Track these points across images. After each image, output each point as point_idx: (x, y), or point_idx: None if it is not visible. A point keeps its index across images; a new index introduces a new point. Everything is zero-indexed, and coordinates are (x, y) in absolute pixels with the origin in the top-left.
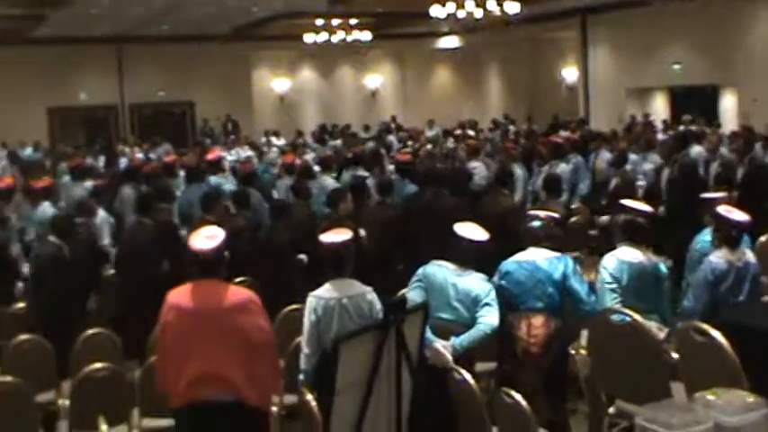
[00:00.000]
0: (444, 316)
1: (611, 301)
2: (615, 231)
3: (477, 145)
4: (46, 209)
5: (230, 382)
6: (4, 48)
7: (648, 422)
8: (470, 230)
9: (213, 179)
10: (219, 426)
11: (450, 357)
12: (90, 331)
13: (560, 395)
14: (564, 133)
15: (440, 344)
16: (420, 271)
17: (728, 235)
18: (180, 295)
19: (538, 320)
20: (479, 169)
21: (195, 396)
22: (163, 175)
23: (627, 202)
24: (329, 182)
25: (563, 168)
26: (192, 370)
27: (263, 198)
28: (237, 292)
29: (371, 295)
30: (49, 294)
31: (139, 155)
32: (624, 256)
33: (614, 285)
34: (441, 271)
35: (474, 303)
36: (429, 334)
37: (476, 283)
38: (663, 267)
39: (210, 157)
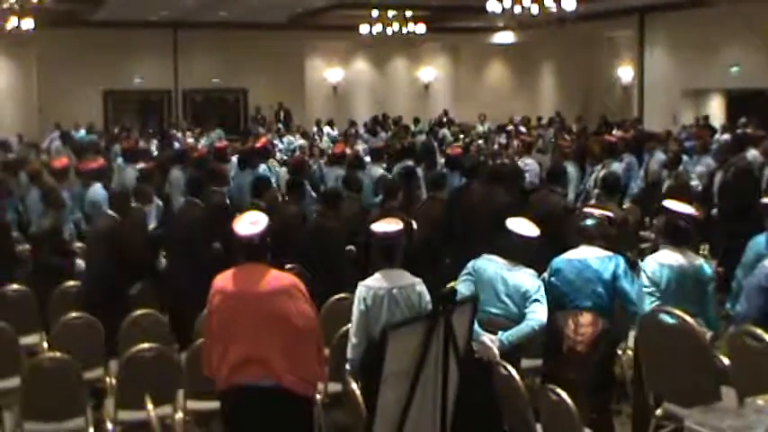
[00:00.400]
0: (493, 310)
1: (649, 305)
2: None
3: (530, 141)
4: (97, 190)
5: (271, 368)
6: (63, 30)
7: (698, 425)
8: (522, 226)
9: (262, 167)
10: (262, 411)
11: (497, 351)
12: (138, 312)
13: (605, 395)
14: (617, 133)
15: (487, 337)
16: (470, 264)
17: None
18: (225, 279)
19: (586, 319)
20: (531, 166)
21: (238, 380)
22: (212, 160)
23: (669, 203)
24: (380, 172)
25: (616, 168)
26: (236, 354)
27: (312, 188)
28: (281, 277)
29: (421, 286)
30: (102, 266)
31: (191, 140)
32: (664, 259)
33: (652, 289)
34: (491, 265)
35: (523, 299)
36: (477, 327)
37: (525, 278)
38: (707, 269)
39: (258, 144)
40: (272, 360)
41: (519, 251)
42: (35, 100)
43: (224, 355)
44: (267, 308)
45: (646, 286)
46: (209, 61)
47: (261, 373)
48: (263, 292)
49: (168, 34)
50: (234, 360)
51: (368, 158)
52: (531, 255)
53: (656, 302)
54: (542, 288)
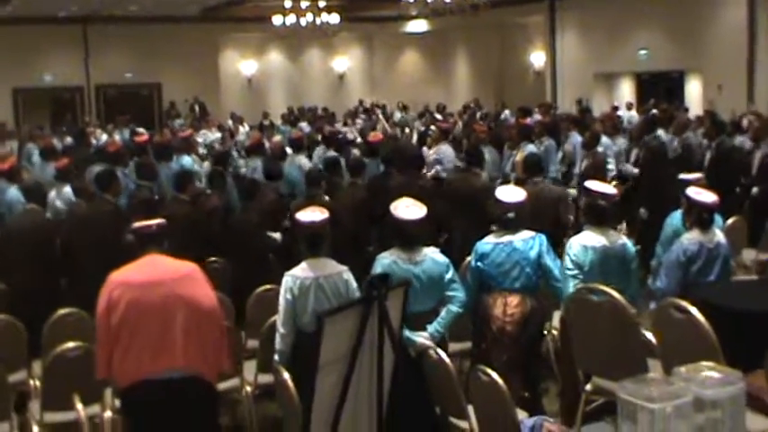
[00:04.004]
0: (416, 308)
1: (573, 287)
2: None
3: (447, 128)
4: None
5: (182, 356)
6: None
7: (631, 396)
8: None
9: (186, 159)
10: (174, 404)
11: (433, 345)
12: (62, 311)
13: (535, 373)
14: (535, 117)
15: (422, 338)
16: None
17: (699, 217)
18: (125, 272)
19: (514, 300)
20: (447, 153)
21: (146, 374)
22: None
23: (590, 184)
24: (304, 161)
25: (532, 151)
26: (143, 346)
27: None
28: (182, 264)
29: (347, 274)
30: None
31: (104, 136)
32: (587, 240)
33: (576, 272)
34: (393, 266)
35: (439, 286)
36: (407, 333)
37: (431, 264)
38: (630, 248)
39: (183, 134)
40: (182, 348)
41: (408, 234)
42: None
43: (128, 350)
44: (175, 292)
45: (569, 268)
46: (121, 56)
47: (170, 363)
48: (169, 278)
49: (78, 30)
50: (141, 353)
51: (288, 149)
52: (422, 236)
53: (580, 284)
54: (450, 266)
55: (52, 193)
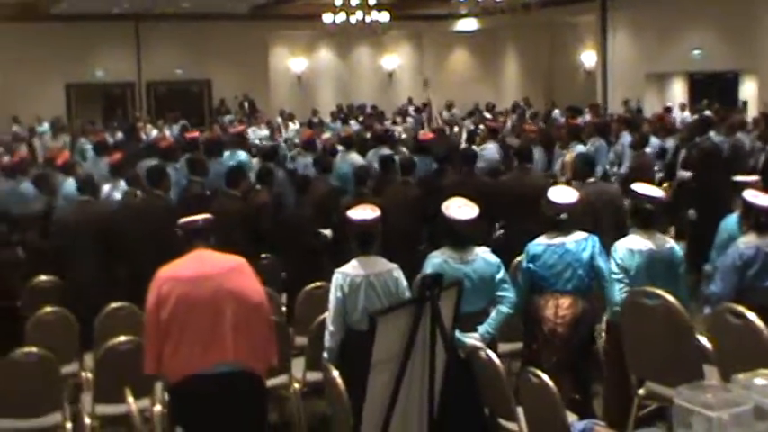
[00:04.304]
0: (467, 308)
1: (619, 291)
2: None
3: (495, 127)
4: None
5: (232, 350)
6: (24, 23)
7: (687, 402)
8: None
9: (241, 154)
10: (225, 398)
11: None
12: (113, 304)
13: (585, 376)
14: (585, 117)
15: (472, 339)
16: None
17: (757, 220)
18: (173, 268)
19: (566, 301)
20: (491, 150)
21: (196, 369)
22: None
23: (636, 187)
24: (356, 158)
25: (581, 151)
26: (193, 341)
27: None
28: (229, 257)
29: (398, 272)
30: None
31: (153, 132)
32: (634, 244)
33: (621, 275)
34: (444, 266)
35: (490, 287)
36: (457, 334)
37: (483, 264)
38: (678, 252)
39: (236, 130)
40: (231, 342)
41: (460, 234)
42: None
43: (178, 345)
44: (223, 287)
45: (615, 272)
46: (172, 53)
47: (220, 358)
48: (217, 273)
49: (130, 26)
50: (191, 348)
51: (339, 147)
52: (474, 235)
53: (626, 289)
54: (501, 266)
55: (106, 187)
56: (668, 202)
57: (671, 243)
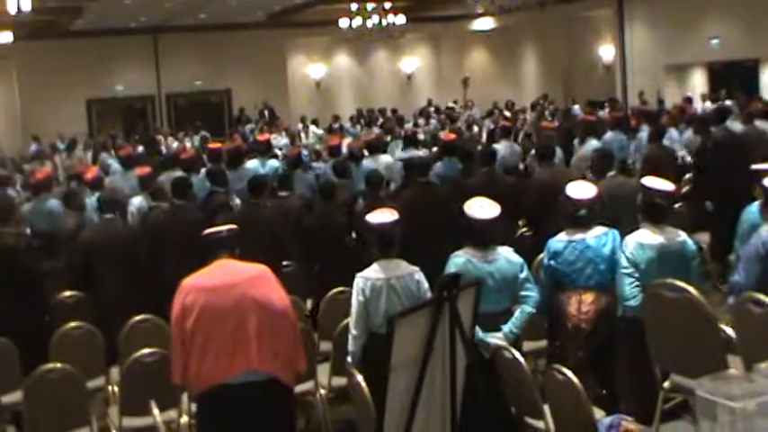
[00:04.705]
0: (490, 308)
1: (629, 286)
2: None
3: (508, 126)
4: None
5: (258, 359)
6: (43, 41)
7: (709, 394)
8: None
9: (272, 163)
10: (252, 407)
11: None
12: (136, 318)
13: (611, 371)
14: (602, 112)
15: (495, 339)
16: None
17: None
18: (197, 278)
19: (588, 297)
20: (501, 149)
21: (222, 378)
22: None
23: (646, 180)
24: (387, 159)
25: (593, 146)
26: (218, 350)
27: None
28: (252, 266)
29: (419, 275)
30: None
31: (175, 144)
32: (644, 238)
33: (631, 270)
34: (468, 265)
35: (513, 287)
36: (481, 334)
37: (505, 264)
38: (690, 245)
39: (262, 138)
40: (257, 350)
41: (479, 233)
42: (17, 113)
43: (203, 354)
44: (248, 295)
45: (624, 267)
46: (190, 64)
47: (246, 366)
48: (240, 281)
49: (148, 40)
50: (216, 357)
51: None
52: (496, 235)
53: (636, 283)
54: (524, 265)
55: (137, 200)
56: (687, 194)
57: (683, 236)
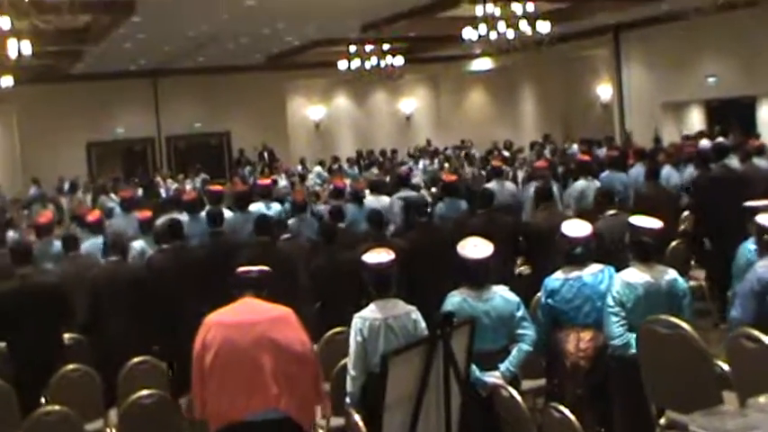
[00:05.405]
0: (486, 347)
1: (615, 325)
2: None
3: (497, 166)
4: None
5: (274, 398)
6: (43, 85)
7: (703, 429)
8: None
9: (276, 206)
10: None
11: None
12: (135, 360)
13: (610, 407)
14: (601, 150)
15: (492, 377)
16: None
17: None
18: (220, 314)
19: (587, 335)
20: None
21: (239, 415)
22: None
23: (634, 219)
24: (384, 200)
25: (581, 186)
26: (235, 387)
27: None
28: (276, 307)
29: (416, 314)
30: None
31: (173, 186)
32: (631, 277)
33: (617, 309)
34: (463, 304)
35: (509, 325)
36: (478, 373)
37: (501, 302)
38: (680, 283)
39: (264, 182)
40: (274, 389)
41: (474, 272)
42: (18, 157)
43: (221, 390)
44: (267, 335)
45: (610, 306)
46: (190, 106)
47: (262, 405)
48: (262, 320)
49: (148, 83)
50: (234, 394)
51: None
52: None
53: (622, 322)
54: (521, 304)
55: (138, 244)
56: (685, 231)
57: (672, 274)
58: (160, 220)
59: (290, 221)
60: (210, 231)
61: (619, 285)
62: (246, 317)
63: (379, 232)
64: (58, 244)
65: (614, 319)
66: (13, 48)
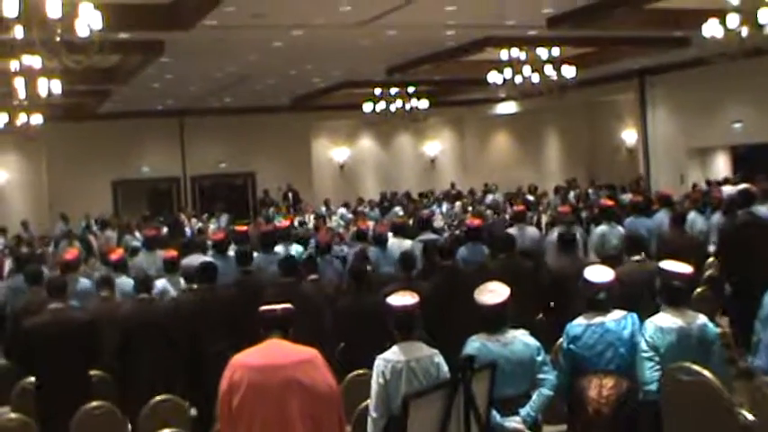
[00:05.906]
0: (507, 391)
1: (649, 370)
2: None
3: (521, 211)
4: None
5: None
6: (71, 123)
7: None
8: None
9: (296, 247)
10: None
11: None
12: (158, 398)
13: None
14: (626, 196)
15: (513, 424)
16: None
17: None
18: (246, 355)
19: (609, 381)
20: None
21: None
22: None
23: (664, 264)
24: (409, 244)
25: (602, 231)
26: (261, 430)
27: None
28: (303, 349)
29: (439, 357)
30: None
31: (199, 225)
32: (663, 322)
33: (651, 354)
34: (483, 348)
35: (530, 369)
36: (499, 418)
37: (521, 347)
38: (711, 328)
39: (282, 225)
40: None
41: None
42: (45, 193)
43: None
44: (294, 378)
45: (644, 350)
46: (215, 146)
47: None
48: (288, 363)
49: (174, 122)
50: None
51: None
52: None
53: (657, 367)
54: (541, 348)
55: (160, 283)
56: (711, 277)
57: (703, 320)
58: (187, 260)
59: None
60: (241, 270)
61: (651, 330)
62: (273, 360)
63: (408, 274)
64: (83, 281)
65: (649, 364)
66: (44, 86)
